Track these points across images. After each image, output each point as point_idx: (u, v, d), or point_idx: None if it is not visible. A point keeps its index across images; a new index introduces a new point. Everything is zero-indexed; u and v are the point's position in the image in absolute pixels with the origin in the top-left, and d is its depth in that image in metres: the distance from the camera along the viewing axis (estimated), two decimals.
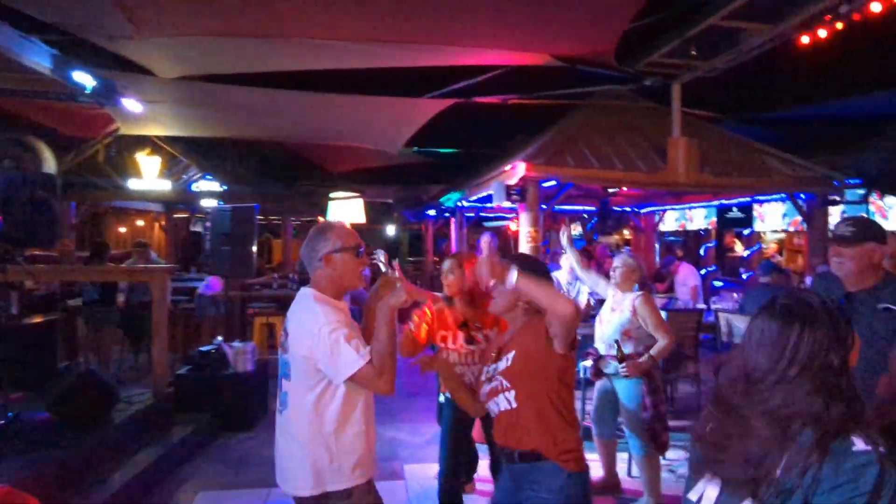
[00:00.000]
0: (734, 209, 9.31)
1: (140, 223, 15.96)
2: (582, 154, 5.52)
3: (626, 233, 13.32)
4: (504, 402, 1.96)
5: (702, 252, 11.48)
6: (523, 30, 4.50)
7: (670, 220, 11.25)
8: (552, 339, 1.86)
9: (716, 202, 8.27)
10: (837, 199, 5.86)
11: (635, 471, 4.02)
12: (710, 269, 10.82)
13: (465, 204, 8.15)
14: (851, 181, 5.71)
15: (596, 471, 4.28)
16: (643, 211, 9.71)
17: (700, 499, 1.24)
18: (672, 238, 14.20)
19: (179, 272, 11.30)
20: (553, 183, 5.44)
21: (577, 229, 15.85)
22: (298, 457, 1.91)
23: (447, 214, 9.18)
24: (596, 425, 4.08)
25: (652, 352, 3.62)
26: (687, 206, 9.52)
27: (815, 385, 1.10)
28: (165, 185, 9.93)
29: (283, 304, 7.90)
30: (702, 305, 7.40)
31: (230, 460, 4.65)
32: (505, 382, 1.95)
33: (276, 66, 5.33)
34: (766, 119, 7.23)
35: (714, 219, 9.83)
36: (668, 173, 5.45)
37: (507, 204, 5.24)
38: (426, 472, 4.30)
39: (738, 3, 4.08)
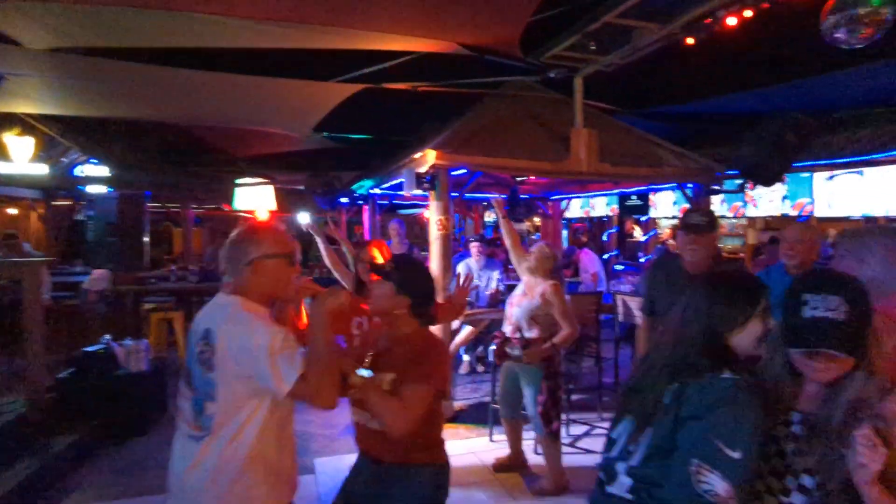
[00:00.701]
0: (633, 197, 9.94)
1: (12, 212, 14.30)
2: (491, 143, 5.62)
3: (536, 220, 13.80)
4: (374, 422, 1.94)
5: (605, 238, 12.16)
6: (431, 17, 4.48)
7: (575, 208, 11.80)
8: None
9: (616, 191, 8.76)
10: (718, 188, 6.40)
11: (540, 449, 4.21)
12: (612, 253, 11.51)
13: (379, 191, 8.05)
14: (730, 172, 6.26)
15: (505, 449, 4.44)
16: (552, 199, 10.09)
17: (619, 434, 1.58)
18: (578, 224, 14.96)
19: (62, 266, 10.27)
20: (463, 171, 5.49)
21: (491, 217, 16.27)
22: (221, 488, 1.71)
23: (360, 202, 9.02)
24: (501, 406, 4.22)
25: (555, 339, 3.79)
26: (590, 194, 10.02)
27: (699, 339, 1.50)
28: (41, 170, 8.93)
29: (182, 299, 7.43)
30: (602, 288, 7.87)
31: (123, 468, 4.33)
32: None
33: (168, 42, 4.94)
34: (659, 113, 7.74)
35: (615, 206, 10.45)
36: (571, 162, 5.68)
37: (419, 192, 5.23)
38: (337, 464, 4.26)
39: (630, 3, 4.30)
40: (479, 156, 5.36)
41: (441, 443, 2.12)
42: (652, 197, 9.47)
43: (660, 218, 11.57)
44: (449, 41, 4.87)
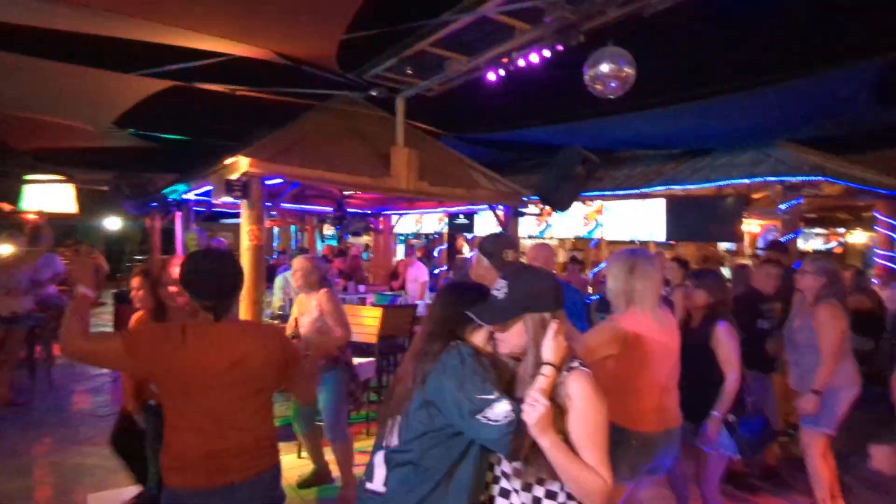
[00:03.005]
0: (461, 216, 10.60)
1: None
2: (310, 154, 5.58)
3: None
4: None
5: (435, 253, 12.71)
6: (244, 22, 4.35)
7: (410, 223, 12.21)
8: None
9: (440, 209, 9.24)
10: (524, 211, 7.11)
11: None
12: (441, 268, 12.06)
13: (194, 197, 7.48)
14: (533, 197, 7.00)
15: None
16: (383, 214, 10.30)
17: (389, 427, 1.71)
18: (415, 240, 15.45)
19: None
20: (279, 181, 5.37)
21: (329, 230, 16.06)
22: None
23: (175, 208, 8.29)
24: (296, 422, 4.18)
25: (327, 343, 3.82)
26: (420, 211, 10.43)
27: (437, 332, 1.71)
28: None
29: None
30: (425, 301, 8.20)
31: None
32: None
33: None
34: (479, 139, 8.38)
35: (446, 223, 11.04)
36: (392, 180, 5.88)
37: (228, 199, 4.99)
38: (113, 498, 3.84)
39: (440, 34, 4.64)
40: (297, 166, 5.29)
41: None
42: (477, 216, 10.20)
43: (477, 236, 12.47)
44: (263, 48, 4.76)
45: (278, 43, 4.65)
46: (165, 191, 7.93)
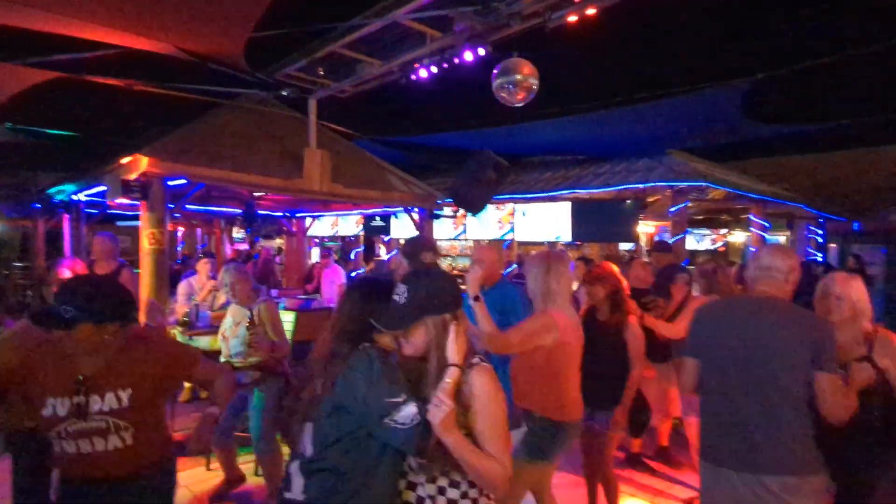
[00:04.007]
0: (377, 218, 10.57)
1: None
2: (217, 154, 5.37)
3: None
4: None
5: (352, 256, 12.57)
6: (143, 13, 4.10)
7: (327, 226, 11.98)
8: None
9: (356, 212, 9.18)
10: (439, 213, 7.24)
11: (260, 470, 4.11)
12: (358, 271, 11.94)
13: (85, 198, 6.92)
14: (447, 200, 7.15)
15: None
16: (296, 216, 10.05)
17: (301, 435, 1.70)
18: (331, 243, 15.15)
19: None
20: (183, 181, 5.11)
21: (238, 233, 15.35)
22: None
23: (62, 210, 7.60)
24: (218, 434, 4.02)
25: (274, 355, 3.77)
26: (335, 213, 10.29)
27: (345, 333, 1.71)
28: None
29: None
30: None
31: None
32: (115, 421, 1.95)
33: None
34: (392, 142, 8.43)
35: (362, 226, 10.95)
36: (304, 181, 5.79)
37: (125, 200, 4.68)
38: None
39: (352, 37, 4.64)
40: (203, 167, 5.07)
41: None
42: (394, 218, 10.21)
43: (401, 238, 12.52)
44: (164, 42, 4.53)
45: (181, 38, 4.44)
46: (51, 191, 7.26)
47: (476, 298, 2.57)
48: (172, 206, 5.29)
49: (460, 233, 9.56)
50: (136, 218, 10.75)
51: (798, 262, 2.21)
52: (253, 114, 6.41)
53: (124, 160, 4.87)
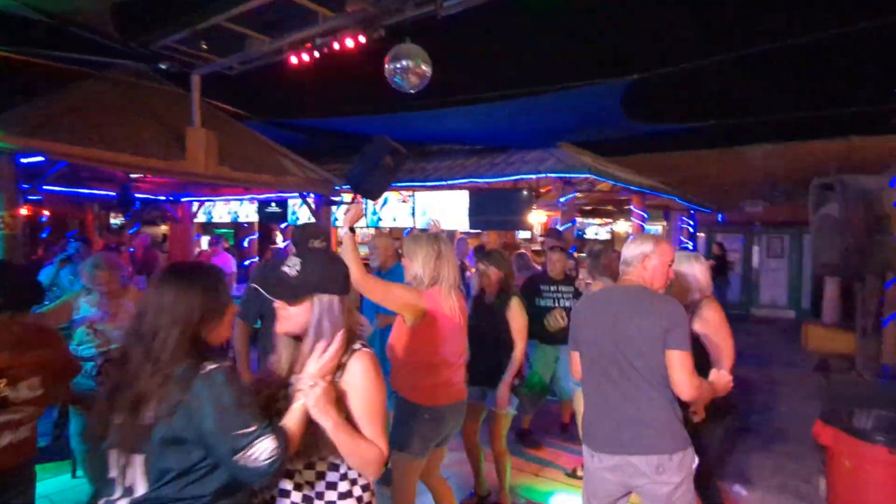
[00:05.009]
0: (272, 204, 10.12)
1: None
2: (83, 130, 4.83)
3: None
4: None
5: (245, 243, 11.97)
6: None
7: (223, 212, 11.25)
8: None
9: (248, 197, 8.74)
10: (336, 200, 7.08)
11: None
12: (252, 259, 11.40)
13: None
14: (345, 186, 7.01)
15: None
16: (183, 200, 9.37)
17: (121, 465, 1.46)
18: (223, 230, 14.29)
19: None
20: (40, 159, 4.56)
21: (117, 219, 14.01)
22: None
23: None
24: (74, 438, 3.68)
25: None
26: (226, 197, 9.73)
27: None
28: None
29: None
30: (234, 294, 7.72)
31: None
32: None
33: None
34: (288, 124, 8.10)
35: (256, 212, 10.43)
36: (187, 163, 5.40)
37: None
38: None
39: (238, 10, 4.37)
40: (64, 143, 4.55)
41: None
42: (293, 205, 9.82)
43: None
44: None
45: None
46: None
47: (351, 231, 2.50)
48: (27, 186, 4.71)
49: (376, 220, 9.42)
50: None
51: (655, 247, 2.29)
52: (128, 87, 5.85)
53: None
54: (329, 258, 1.70)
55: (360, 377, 1.58)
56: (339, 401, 1.54)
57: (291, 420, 1.48)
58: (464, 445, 3.53)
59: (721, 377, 2.33)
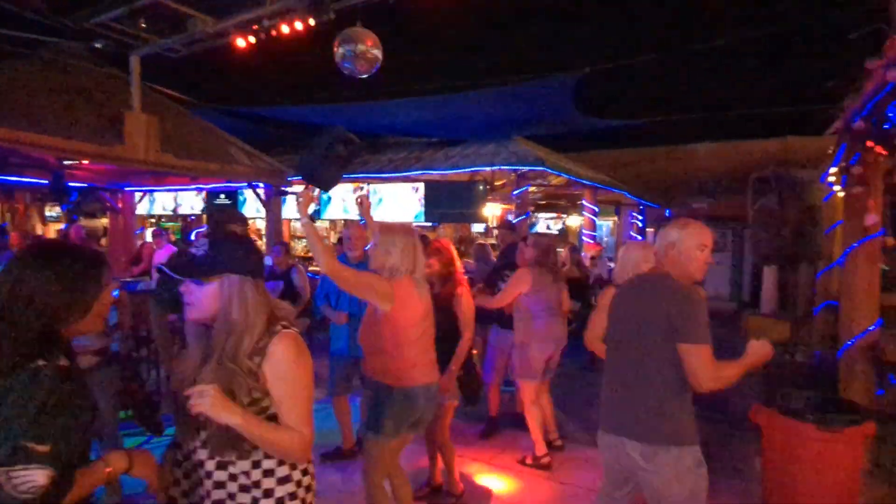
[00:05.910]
0: (222, 195, 9.77)
1: None
2: (8, 112, 4.52)
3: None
4: None
5: (192, 237, 11.54)
6: None
7: (168, 202, 10.78)
8: None
9: (194, 186, 8.41)
10: (287, 190, 6.90)
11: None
12: None
13: None
14: (296, 176, 6.84)
15: None
16: (126, 190, 8.93)
17: None
18: (170, 223, 13.73)
19: None
20: None
21: (53, 210, 13.23)
22: None
23: None
24: None
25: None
26: (171, 187, 9.34)
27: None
28: None
29: None
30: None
31: None
32: None
33: None
34: (237, 112, 7.83)
35: (204, 203, 10.05)
36: (125, 149, 5.13)
37: None
38: None
39: None
40: None
41: None
42: (246, 195, 9.50)
43: (253, 219, 11.78)
44: None
45: None
46: None
47: (311, 219, 2.47)
48: None
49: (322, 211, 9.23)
50: None
51: (681, 232, 2.16)
52: (59, 68, 5.50)
53: None
54: (239, 240, 1.62)
55: (282, 359, 1.51)
56: (255, 387, 1.48)
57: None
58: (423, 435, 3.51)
59: (759, 347, 2.10)
